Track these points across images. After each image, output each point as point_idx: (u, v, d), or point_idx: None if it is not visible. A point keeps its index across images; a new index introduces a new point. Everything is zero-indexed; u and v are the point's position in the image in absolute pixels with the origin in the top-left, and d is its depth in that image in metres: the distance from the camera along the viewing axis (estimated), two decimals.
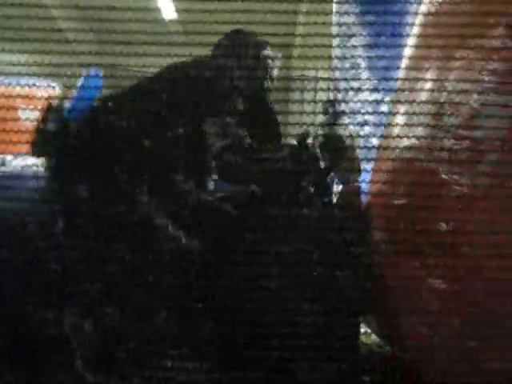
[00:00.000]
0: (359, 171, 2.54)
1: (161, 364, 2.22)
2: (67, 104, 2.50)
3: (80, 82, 2.57)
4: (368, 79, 5.49)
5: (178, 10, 9.75)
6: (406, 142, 2.45)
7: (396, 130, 2.58)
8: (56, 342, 2.24)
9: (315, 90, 6.05)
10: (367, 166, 2.76)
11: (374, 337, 2.93)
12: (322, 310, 2.26)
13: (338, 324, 2.34)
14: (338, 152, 2.59)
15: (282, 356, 2.20)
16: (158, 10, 10.20)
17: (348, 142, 2.62)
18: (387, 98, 5.42)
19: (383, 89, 5.15)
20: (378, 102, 5.51)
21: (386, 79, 3.85)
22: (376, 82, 5.39)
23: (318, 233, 2.36)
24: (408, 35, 4.41)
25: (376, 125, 3.51)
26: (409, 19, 6.27)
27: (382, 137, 2.81)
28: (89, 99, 2.53)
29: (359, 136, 4.98)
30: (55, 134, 2.36)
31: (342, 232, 2.36)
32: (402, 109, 2.63)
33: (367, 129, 4.79)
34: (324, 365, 2.33)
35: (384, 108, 5.02)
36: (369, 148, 2.97)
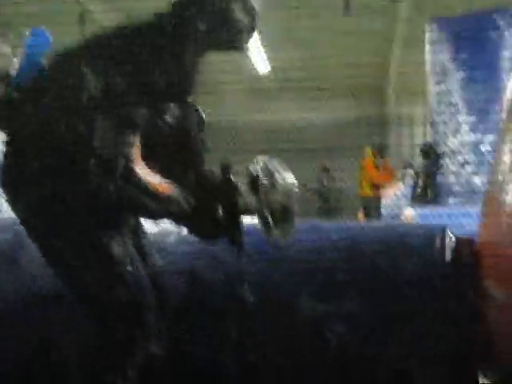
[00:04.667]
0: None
1: None
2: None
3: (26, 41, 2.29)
4: (467, 119, 5.46)
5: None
6: None
7: (505, 169, 2.53)
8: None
9: (412, 135, 6.07)
10: (471, 208, 2.72)
11: None
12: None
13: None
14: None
15: None
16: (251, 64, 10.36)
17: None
18: (487, 139, 5.35)
19: (484, 128, 5.07)
20: (477, 144, 5.45)
21: (486, 119, 3.78)
22: (475, 121, 5.34)
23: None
24: (505, 69, 4.39)
25: (477, 164, 3.44)
26: (505, 53, 6.21)
27: (488, 181, 2.76)
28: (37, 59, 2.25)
29: (460, 175, 4.89)
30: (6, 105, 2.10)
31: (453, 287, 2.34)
32: (507, 148, 2.58)
33: (468, 168, 4.71)
34: None
35: (485, 147, 4.96)
36: (474, 191, 2.92)
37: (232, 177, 2.24)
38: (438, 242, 2.63)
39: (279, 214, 2.48)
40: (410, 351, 2.48)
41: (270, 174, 2.47)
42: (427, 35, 6.40)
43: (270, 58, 10.04)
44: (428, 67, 6.29)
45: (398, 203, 6.54)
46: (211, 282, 2.49)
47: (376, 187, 7.49)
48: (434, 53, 6.34)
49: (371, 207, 7.23)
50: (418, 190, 6.15)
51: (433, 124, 6.16)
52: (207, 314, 2.56)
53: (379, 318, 2.53)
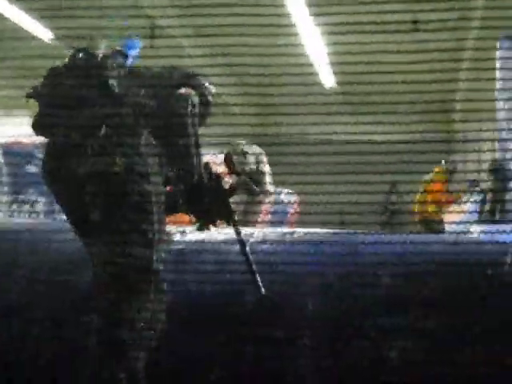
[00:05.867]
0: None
1: None
2: None
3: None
4: None
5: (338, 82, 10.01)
6: None
7: None
8: None
9: (479, 151, 6.01)
10: None
11: None
12: None
13: None
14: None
15: None
16: (318, 79, 10.45)
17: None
18: None
19: None
20: None
21: None
22: None
23: None
24: None
25: None
26: None
27: None
28: None
29: None
30: None
31: None
32: None
33: None
34: None
35: None
36: None
37: (213, 170, 2.50)
38: (508, 258, 2.65)
39: (256, 176, 2.87)
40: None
41: (239, 151, 2.83)
42: (498, 52, 6.34)
43: (335, 73, 10.10)
44: (498, 84, 6.22)
45: (465, 220, 6.48)
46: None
47: (439, 205, 7.38)
48: (506, 70, 6.27)
49: (434, 225, 7.15)
50: (486, 208, 6.08)
51: (501, 141, 6.10)
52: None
53: (455, 333, 2.54)
